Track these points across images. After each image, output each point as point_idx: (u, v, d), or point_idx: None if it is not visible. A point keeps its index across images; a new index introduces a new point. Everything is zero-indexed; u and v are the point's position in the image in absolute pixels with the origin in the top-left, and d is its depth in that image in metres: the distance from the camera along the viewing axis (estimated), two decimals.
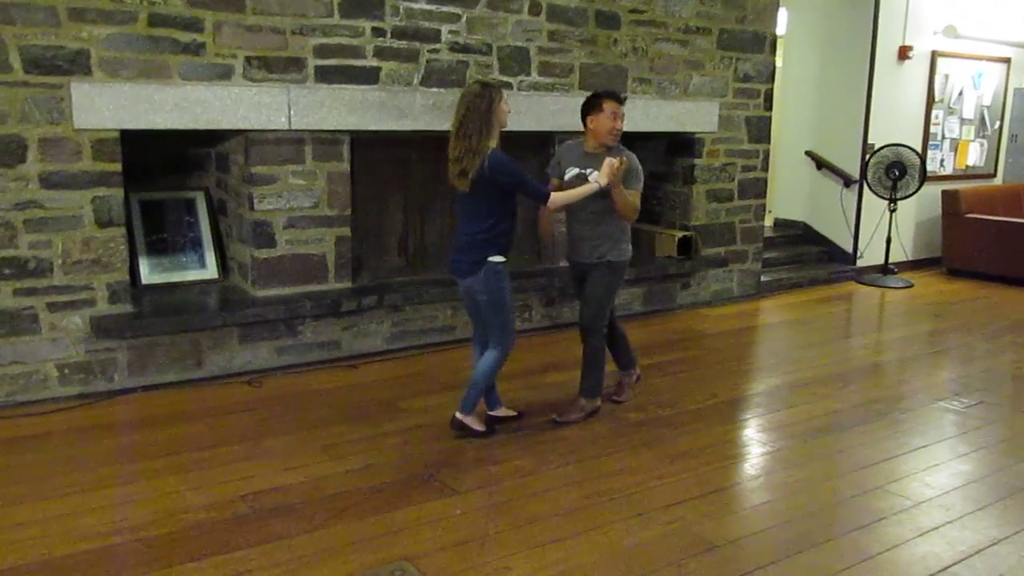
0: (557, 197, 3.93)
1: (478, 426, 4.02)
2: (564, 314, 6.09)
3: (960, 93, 8.76)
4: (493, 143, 3.75)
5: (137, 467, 3.63)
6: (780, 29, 7.21)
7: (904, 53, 8.10)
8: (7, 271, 4.19)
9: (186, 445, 3.87)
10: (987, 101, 9.03)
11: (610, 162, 3.91)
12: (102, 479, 3.51)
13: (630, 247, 4.33)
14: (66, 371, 4.38)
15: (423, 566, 2.90)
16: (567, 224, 4.35)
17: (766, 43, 6.88)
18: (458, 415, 3.99)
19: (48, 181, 4.22)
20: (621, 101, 4.17)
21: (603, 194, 3.98)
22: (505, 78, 5.52)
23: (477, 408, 4.05)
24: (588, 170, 4.07)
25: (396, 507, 3.32)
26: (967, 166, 9.09)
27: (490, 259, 3.82)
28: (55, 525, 3.11)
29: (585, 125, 4.20)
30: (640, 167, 4.19)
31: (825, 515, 3.37)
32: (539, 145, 5.96)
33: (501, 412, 4.21)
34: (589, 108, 4.17)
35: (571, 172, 4.18)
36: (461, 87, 5.31)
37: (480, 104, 3.71)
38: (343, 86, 4.93)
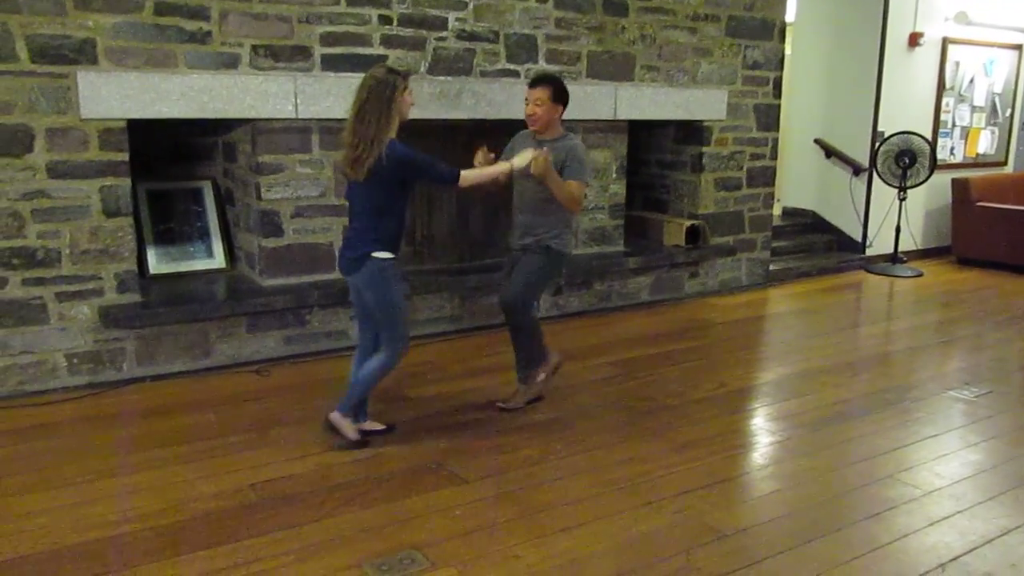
0: (468, 174, 3.66)
1: (352, 434, 3.73)
2: (571, 303, 6.08)
3: (971, 80, 8.69)
4: (391, 133, 3.48)
5: (146, 456, 3.64)
6: (789, 16, 7.16)
7: (915, 40, 8.03)
8: (16, 261, 4.20)
9: (195, 434, 3.88)
10: (998, 88, 8.96)
11: (525, 152, 3.81)
12: (111, 468, 3.52)
13: (572, 242, 4.21)
14: (75, 360, 4.39)
15: (431, 554, 2.90)
16: (512, 212, 4.23)
17: (775, 30, 6.84)
18: (332, 415, 3.73)
19: (55, 171, 4.22)
20: (532, 85, 4.05)
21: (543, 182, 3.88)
22: (512, 66, 5.50)
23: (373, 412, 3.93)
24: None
25: (404, 496, 3.32)
26: (978, 154, 9.02)
27: (374, 255, 3.55)
28: (65, 514, 3.12)
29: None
30: (585, 158, 4.06)
31: (834, 504, 3.36)
32: None
33: (368, 426, 3.87)
34: None
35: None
36: (468, 75, 5.31)
37: (383, 90, 3.47)
38: (350, 74, 4.91)
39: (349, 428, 3.75)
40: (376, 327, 3.74)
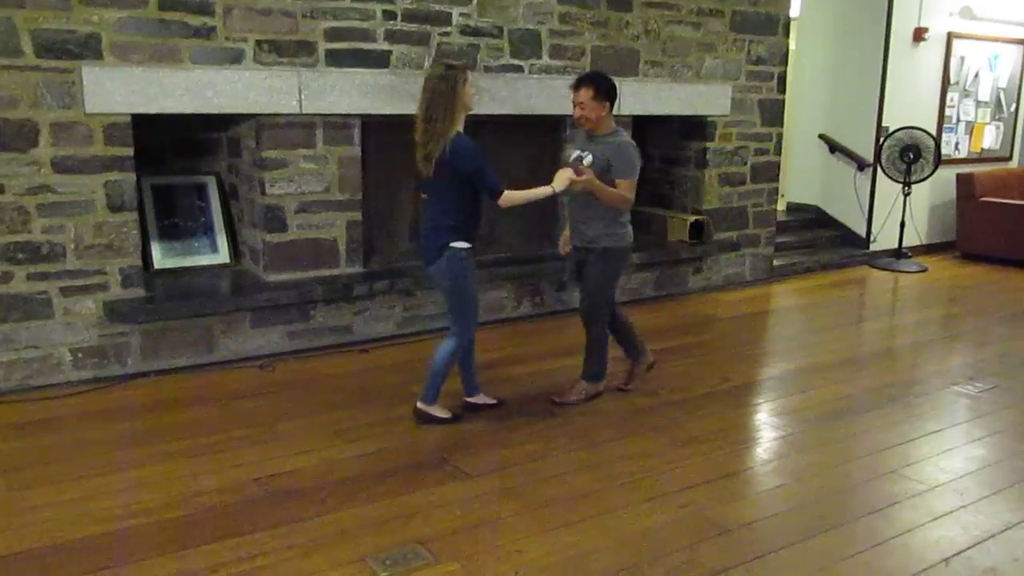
0: (510, 195, 3.75)
1: (442, 413, 3.98)
2: (575, 299, 6.06)
3: (976, 75, 8.66)
4: (458, 127, 3.65)
5: (150, 451, 3.65)
6: (794, 11, 7.15)
7: (919, 35, 8.01)
8: (21, 256, 4.20)
9: (199, 429, 3.89)
10: (1003, 83, 8.93)
11: (563, 173, 3.89)
12: (116, 462, 3.53)
13: (629, 230, 4.22)
14: (79, 355, 4.41)
15: (435, 549, 2.90)
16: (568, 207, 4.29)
17: (779, 25, 6.82)
18: (420, 404, 3.96)
19: (60, 166, 4.23)
20: (575, 86, 4.06)
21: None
22: (516, 61, 5.49)
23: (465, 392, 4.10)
24: (585, 153, 4.06)
25: (408, 490, 3.32)
26: (982, 149, 9.00)
27: (452, 245, 3.74)
28: (69, 508, 3.14)
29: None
30: (633, 155, 4.09)
31: (838, 499, 3.36)
32: (550, 129, 5.93)
33: (479, 399, 4.17)
34: None
35: (572, 155, 4.14)
36: (472, 70, 5.29)
37: (445, 87, 3.61)
38: (354, 70, 4.91)
39: (439, 410, 3.98)
40: (448, 312, 3.96)
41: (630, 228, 4.23)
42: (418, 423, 3.95)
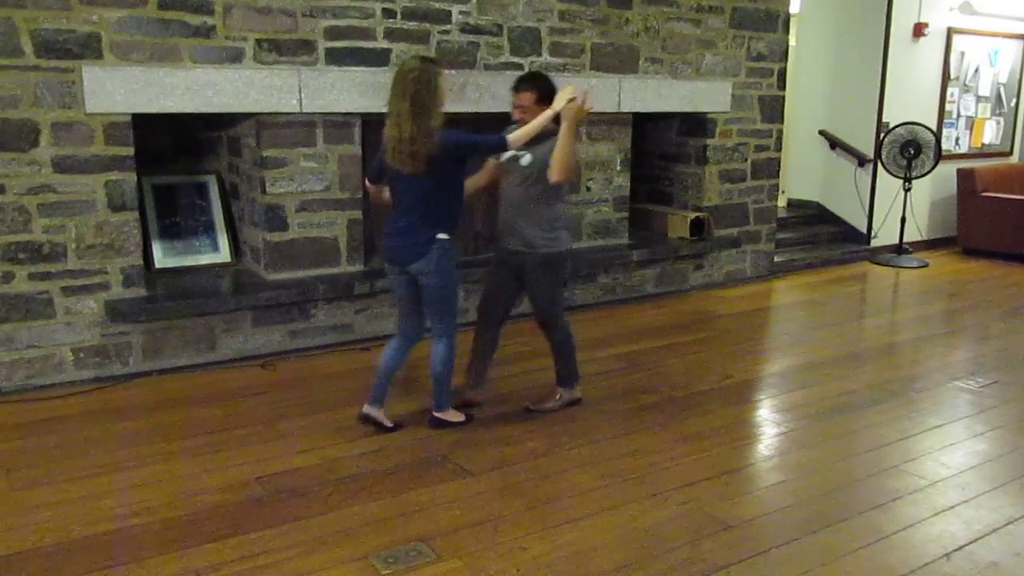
0: (515, 138, 3.64)
1: (457, 418, 3.93)
2: (576, 296, 6.08)
3: (976, 70, 8.65)
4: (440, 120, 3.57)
5: (152, 450, 3.65)
6: (793, 7, 7.14)
7: (919, 30, 8.00)
8: (22, 255, 4.21)
9: (201, 428, 3.89)
10: (1003, 78, 8.92)
11: (563, 92, 3.71)
12: (118, 462, 3.53)
13: (566, 234, 4.01)
14: (81, 355, 4.41)
15: (438, 546, 2.91)
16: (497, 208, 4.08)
17: (779, 21, 6.81)
18: (435, 414, 3.90)
19: (61, 165, 4.23)
20: (516, 88, 3.89)
21: (531, 178, 3.83)
22: (516, 59, 5.49)
23: (462, 394, 4.05)
24: (523, 152, 3.83)
25: (410, 488, 3.33)
26: (983, 144, 8.99)
27: (440, 236, 3.62)
28: (72, 507, 3.14)
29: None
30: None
31: (840, 495, 3.36)
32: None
33: (377, 413, 3.86)
34: None
35: (506, 156, 3.91)
36: (472, 68, 5.30)
37: (429, 80, 3.51)
38: (354, 68, 4.91)
39: (453, 415, 3.94)
40: (429, 315, 3.80)
41: (567, 232, 4.04)
42: (432, 428, 3.88)
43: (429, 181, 3.58)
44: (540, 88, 3.86)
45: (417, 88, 3.49)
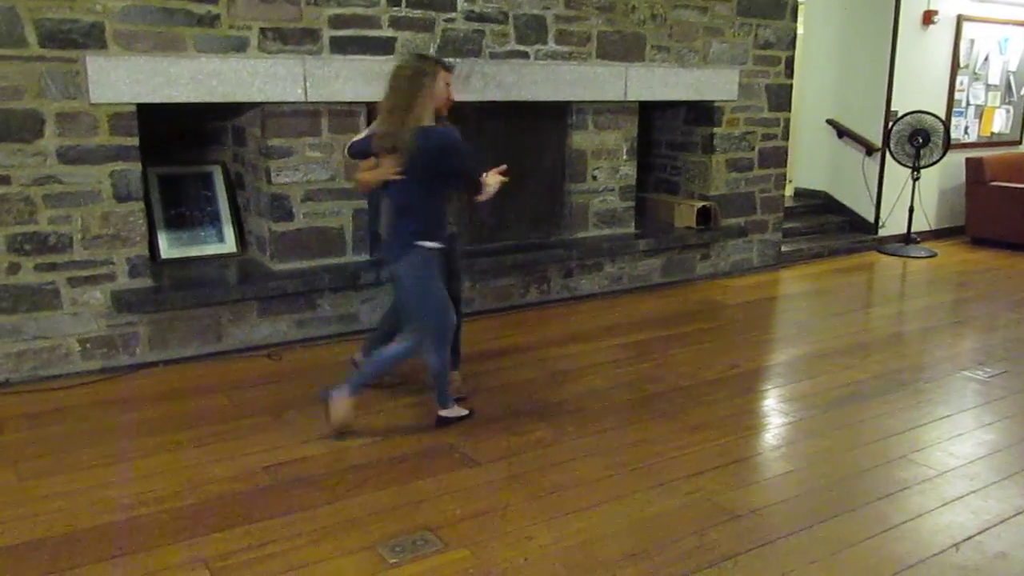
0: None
1: (459, 413, 3.87)
2: (582, 285, 6.07)
3: (986, 58, 8.59)
4: (424, 121, 3.52)
5: (160, 440, 3.66)
6: None
7: (929, 18, 7.94)
8: (28, 247, 4.21)
9: (208, 418, 3.90)
10: (1013, 66, 8.85)
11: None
12: (126, 452, 3.54)
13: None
14: (88, 345, 4.41)
15: (444, 536, 2.91)
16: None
17: (787, 9, 6.76)
18: (440, 413, 3.83)
19: (66, 156, 4.22)
20: (450, 68, 3.79)
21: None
22: (522, 47, 5.46)
23: (452, 390, 3.94)
24: None
25: (417, 477, 3.33)
26: (992, 133, 8.93)
27: (418, 244, 3.57)
28: (80, 497, 3.15)
29: None
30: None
31: (848, 485, 3.35)
32: (556, 115, 5.91)
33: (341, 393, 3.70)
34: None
35: None
36: (477, 57, 5.28)
37: (411, 78, 3.51)
38: (358, 57, 4.89)
39: (456, 411, 3.85)
40: (403, 316, 3.78)
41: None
42: (440, 426, 3.83)
43: (412, 184, 3.53)
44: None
45: (401, 84, 3.50)
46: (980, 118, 8.77)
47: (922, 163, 7.80)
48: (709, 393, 4.30)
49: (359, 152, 3.81)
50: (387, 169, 3.57)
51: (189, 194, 5.27)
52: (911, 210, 7.96)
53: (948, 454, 3.63)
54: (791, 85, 6.99)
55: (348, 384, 3.68)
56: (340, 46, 4.85)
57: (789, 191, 8.25)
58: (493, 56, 5.36)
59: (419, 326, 3.70)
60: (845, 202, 8.36)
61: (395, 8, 4.98)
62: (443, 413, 3.85)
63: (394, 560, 2.76)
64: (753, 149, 6.85)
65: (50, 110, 4.15)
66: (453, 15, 5.19)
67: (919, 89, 8.04)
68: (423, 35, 5.09)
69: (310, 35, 4.76)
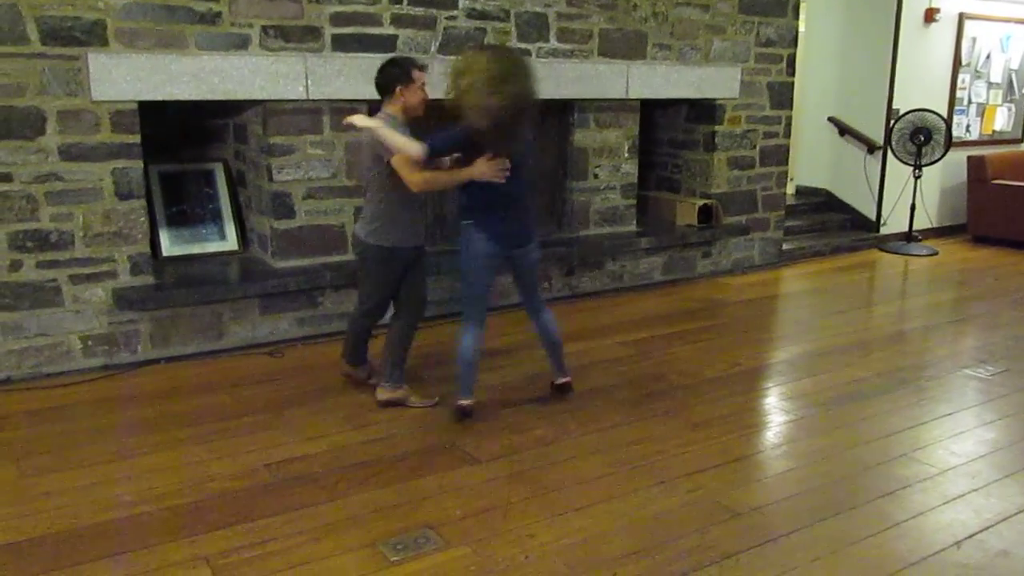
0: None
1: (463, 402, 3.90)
2: (583, 284, 6.07)
3: (988, 56, 8.58)
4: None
5: (161, 437, 3.66)
6: None
7: (930, 16, 7.94)
8: (30, 244, 4.21)
9: (209, 415, 3.90)
10: (1015, 64, 8.84)
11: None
12: (127, 449, 3.54)
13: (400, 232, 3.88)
14: (89, 343, 4.42)
15: (445, 533, 2.91)
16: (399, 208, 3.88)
17: (789, 6, 6.76)
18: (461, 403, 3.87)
19: (68, 153, 4.22)
20: (425, 69, 3.86)
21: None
22: (523, 45, 5.46)
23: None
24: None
25: (418, 475, 3.33)
26: (994, 131, 8.92)
27: (463, 222, 3.82)
28: (82, 495, 3.15)
29: (396, 93, 3.77)
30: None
31: (849, 483, 3.35)
32: (558, 113, 5.91)
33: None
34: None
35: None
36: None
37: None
38: (360, 54, 4.89)
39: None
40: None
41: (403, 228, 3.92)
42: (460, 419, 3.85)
43: (520, 177, 3.79)
44: None
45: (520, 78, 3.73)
46: (982, 116, 8.76)
47: (924, 161, 7.79)
48: (710, 391, 4.30)
49: (446, 149, 3.71)
50: (496, 165, 3.66)
51: (191, 192, 5.28)
52: (912, 208, 7.96)
53: (949, 452, 3.63)
54: (793, 83, 6.98)
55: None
56: (342, 44, 4.85)
57: (791, 189, 8.25)
58: None
59: (463, 306, 3.92)
60: (847, 200, 8.35)
61: (396, 6, 4.98)
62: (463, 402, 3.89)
63: (395, 558, 2.76)
64: (755, 147, 6.84)
65: (52, 107, 4.15)
66: (454, 13, 5.18)
67: (921, 87, 8.03)
68: (425, 33, 5.09)
69: (312, 33, 4.76)
